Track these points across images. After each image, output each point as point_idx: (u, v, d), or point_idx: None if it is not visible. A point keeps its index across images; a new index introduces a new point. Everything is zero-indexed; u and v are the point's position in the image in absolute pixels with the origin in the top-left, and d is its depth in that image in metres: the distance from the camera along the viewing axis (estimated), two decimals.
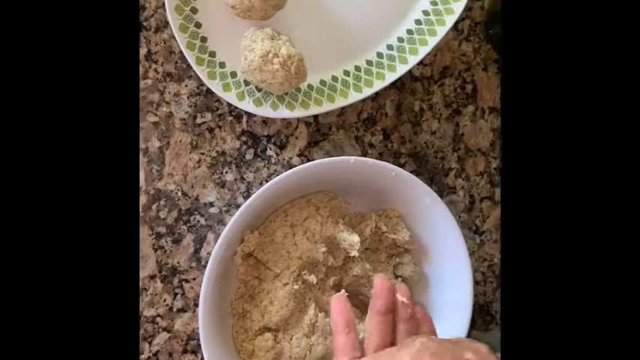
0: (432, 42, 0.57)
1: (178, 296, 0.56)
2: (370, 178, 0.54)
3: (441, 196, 0.62)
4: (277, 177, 0.50)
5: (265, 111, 0.54)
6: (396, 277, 0.57)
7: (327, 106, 0.56)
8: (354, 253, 0.53)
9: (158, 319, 0.56)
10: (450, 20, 0.57)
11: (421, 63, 0.61)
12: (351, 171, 0.53)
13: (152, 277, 0.55)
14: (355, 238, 0.52)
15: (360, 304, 0.57)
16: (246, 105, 0.54)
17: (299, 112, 0.55)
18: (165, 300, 0.55)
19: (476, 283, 0.64)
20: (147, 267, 0.55)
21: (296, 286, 0.52)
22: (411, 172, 0.61)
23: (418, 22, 0.58)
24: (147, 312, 0.55)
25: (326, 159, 0.52)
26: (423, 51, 0.57)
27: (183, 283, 0.56)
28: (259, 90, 0.55)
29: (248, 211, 0.50)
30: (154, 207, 0.55)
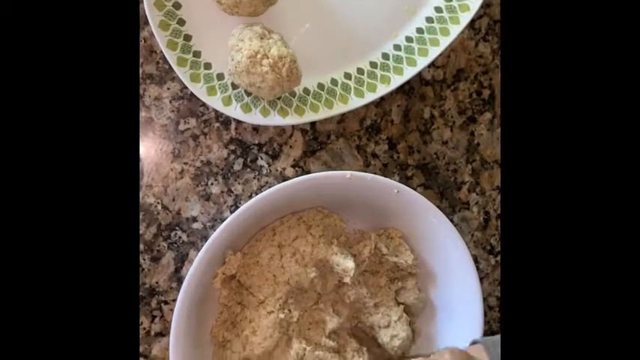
0: (445, 42, 0.51)
1: (157, 319, 0.51)
2: (370, 195, 0.48)
3: (453, 212, 0.57)
4: (263, 193, 0.45)
5: (254, 117, 0.49)
6: (398, 304, 0.51)
7: (324, 113, 0.50)
8: (347, 279, 0.47)
9: None
10: (465, 18, 0.52)
11: (432, 65, 0.55)
12: (348, 187, 0.47)
13: None
14: (350, 264, 0.47)
15: (358, 332, 0.52)
16: (233, 111, 0.49)
17: (292, 119, 0.50)
18: (142, 323, 0.51)
19: (489, 309, 0.58)
20: None
21: (282, 315, 0.46)
22: (419, 185, 0.56)
23: (429, 19, 0.52)
24: None
25: (318, 173, 0.47)
26: (434, 52, 0.52)
27: (162, 304, 0.51)
28: (248, 94, 0.49)
29: (230, 229, 0.45)
30: None
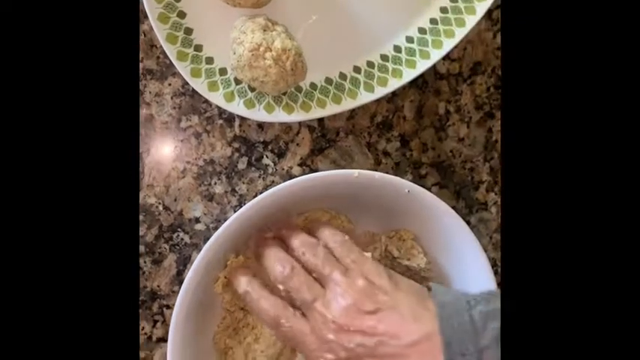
0: (460, 34, 0.49)
1: (158, 324, 0.49)
2: (379, 195, 0.46)
3: (470, 213, 0.54)
4: (266, 192, 0.43)
5: (258, 114, 0.47)
6: None
7: (331, 109, 0.48)
8: None
9: None
10: (482, 8, 0.49)
11: (448, 58, 0.52)
12: (356, 186, 0.45)
13: None
14: None
15: None
16: (236, 107, 0.47)
17: (298, 116, 0.48)
18: (143, 328, 0.49)
19: None
20: None
21: None
22: (433, 184, 0.53)
23: (444, 9, 0.50)
24: None
25: (324, 172, 0.44)
26: (449, 44, 0.49)
27: (164, 309, 0.49)
28: (252, 90, 0.47)
29: (231, 230, 0.43)
30: None
